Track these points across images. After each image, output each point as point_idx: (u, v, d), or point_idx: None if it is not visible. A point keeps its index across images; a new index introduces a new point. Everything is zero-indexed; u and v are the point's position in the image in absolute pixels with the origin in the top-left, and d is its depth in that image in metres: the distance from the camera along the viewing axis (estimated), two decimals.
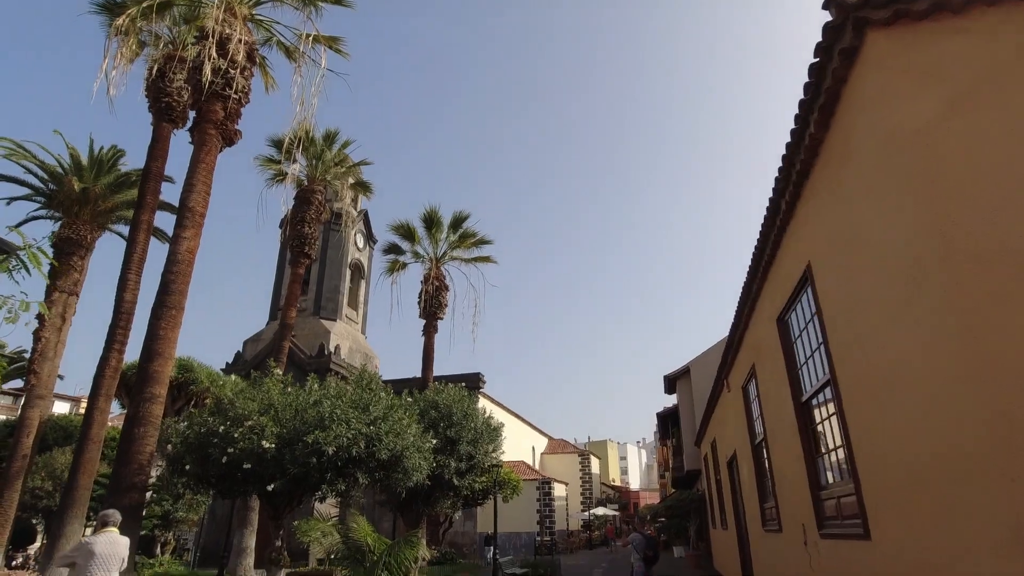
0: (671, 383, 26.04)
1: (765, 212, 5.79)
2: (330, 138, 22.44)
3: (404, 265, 25.03)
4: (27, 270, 4.92)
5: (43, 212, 22.63)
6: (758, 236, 6.46)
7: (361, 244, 40.33)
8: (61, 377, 24.56)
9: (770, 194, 5.42)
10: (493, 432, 17.97)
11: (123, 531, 9.28)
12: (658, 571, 16.74)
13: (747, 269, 7.44)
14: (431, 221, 24.39)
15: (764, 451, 8.59)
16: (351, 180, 23.28)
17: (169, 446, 10.25)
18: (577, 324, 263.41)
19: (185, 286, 10.65)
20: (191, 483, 10.25)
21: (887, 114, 3.44)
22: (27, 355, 21.88)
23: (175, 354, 10.23)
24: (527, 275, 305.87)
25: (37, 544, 30.14)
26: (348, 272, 38.04)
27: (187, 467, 9.62)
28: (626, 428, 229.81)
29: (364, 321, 40.98)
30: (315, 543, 10.12)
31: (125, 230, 22.89)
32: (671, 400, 31.31)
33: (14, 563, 24.09)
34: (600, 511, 45.22)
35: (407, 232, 24.77)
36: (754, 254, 6.69)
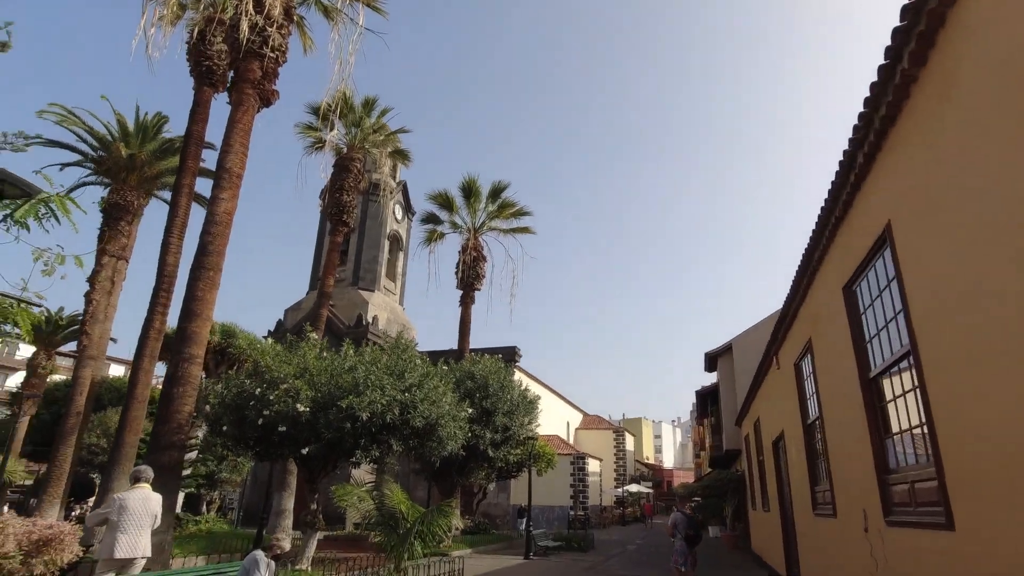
0: (712, 361, 25.36)
1: (837, 169, 5.24)
2: (369, 105, 22.21)
3: (442, 235, 24.85)
4: (56, 218, 4.78)
5: (93, 178, 23.19)
6: (826, 198, 5.90)
7: (400, 216, 40.39)
8: (114, 340, 25.41)
9: (846, 148, 4.86)
10: (529, 404, 17.79)
11: (162, 488, 9.45)
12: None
13: (810, 235, 6.88)
14: (469, 190, 24.06)
15: (818, 431, 8.08)
16: (389, 148, 23.02)
17: (207, 407, 10.34)
18: (613, 300, 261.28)
19: (223, 247, 10.62)
20: (229, 444, 10.34)
21: (1004, 37, 2.89)
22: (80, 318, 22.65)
23: (213, 315, 10.26)
24: (565, 249, 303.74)
25: (94, 498, 31.76)
26: (386, 243, 38.21)
27: (224, 428, 9.68)
28: (660, 407, 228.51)
29: (402, 292, 41.26)
30: (351, 508, 10.08)
31: (170, 196, 23.32)
32: (710, 378, 30.66)
33: (73, 514, 25.33)
34: (634, 488, 45.05)
35: (445, 201, 24.51)
36: (820, 217, 6.13)
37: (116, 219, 20.84)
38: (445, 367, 14.06)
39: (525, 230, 24.65)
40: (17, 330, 5.15)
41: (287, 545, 6.22)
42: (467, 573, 12.96)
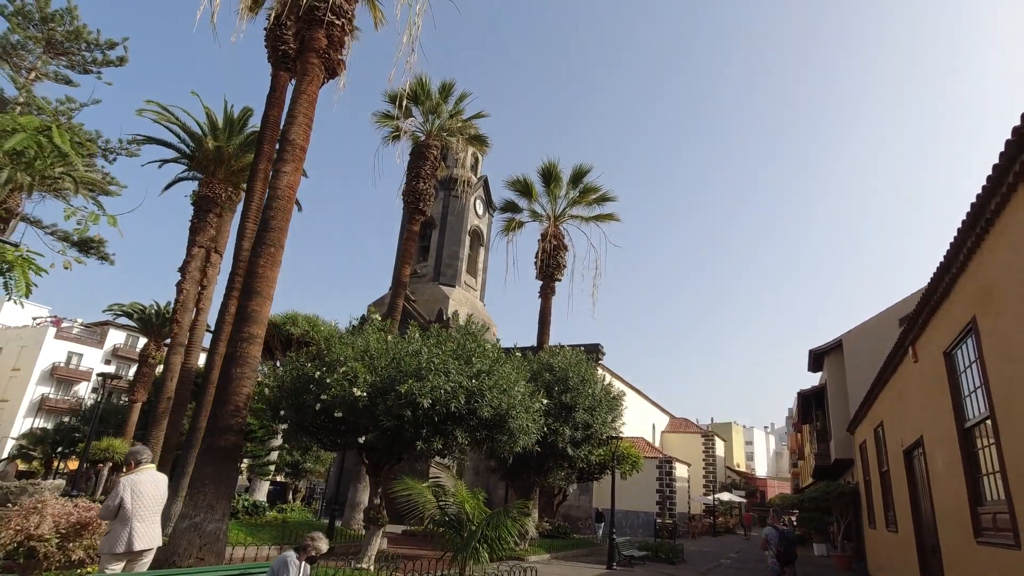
0: (817, 359, 22.86)
1: None
2: (446, 90, 21.62)
3: (520, 224, 23.91)
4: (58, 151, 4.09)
5: (187, 174, 24.12)
6: (1011, 135, 4.36)
7: (480, 211, 40.06)
8: (210, 330, 26.44)
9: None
10: (613, 401, 16.44)
11: (218, 474, 9.03)
12: (801, 571, 14.50)
13: (982, 187, 5.26)
14: (549, 175, 22.91)
15: (984, 437, 6.34)
16: (467, 134, 22.32)
17: (266, 390, 9.88)
18: (701, 299, 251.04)
19: (285, 223, 10.13)
20: (291, 430, 9.83)
21: None
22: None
23: (274, 294, 9.78)
24: (652, 241, 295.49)
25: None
26: (467, 239, 37.96)
27: (282, 412, 9.14)
28: (752, 412, 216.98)
29: (483, 288, 40.88)
30: (423, 505, 9.20)
31: None
32: (813, 379, 27.84)
33: None
34: (725, 496, 42.30)
35: (524, 188, 23.51)
36: (1000, 163, 4.54)
37: (205, 211, 21.44)
38: (519, 353, 13.05)
39: (609, 217, 23.20)
40: (13, 280, 4.59)
41: (323, 546, 5.38)
42: None
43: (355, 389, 8.34)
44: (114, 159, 39.78)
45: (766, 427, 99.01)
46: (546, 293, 22.41)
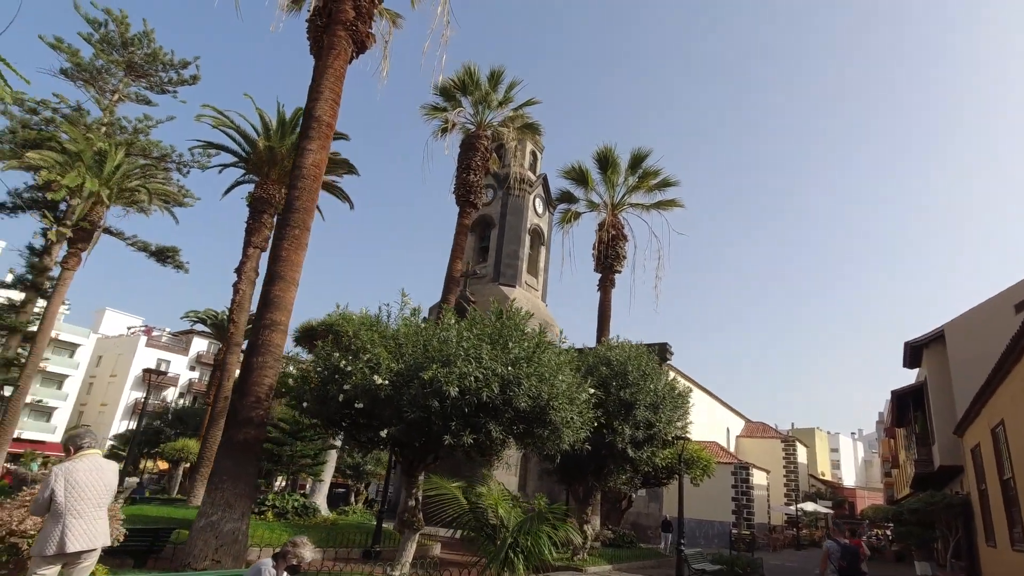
0: (915, 353, 20.44)
1: None
2: (495, 78, 20.85)
3: (577, 215, 22.77)
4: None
5: (245, 177, 24.51)
6: None
7: (540, 209, 39.11)
8: None
9: None
10: (678, 398, 15.00)
11: (238, 468, 8.42)
12: None
13: None
14: (606, 161, 21.62)
15: None
16: (518, 123, 21.45)
17: (291, 381, 9.27)
18: (776, 296, 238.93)
19: (311, 204, 9.53)
20: (320, 424, 9.16)
21: None
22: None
23: (299, 278, 9.17)
24: (719, 235, 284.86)
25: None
26: (527, 238, 37.06)
27: (305, 405, 8.46)
28: (836, 418, 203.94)
29: (544, 288, 39.83)
30: (454, 507, 8.29)
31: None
32: (910, 376, 25.06)
33: None
34: (810, 507, 39.22)
35: (579, 175, 22.33)
36: None
37: (260, 212, 21.55)
38: (572, 347, 11.88)
39: (671, 204, 21.67)
40: None
41: (307, 553, 4.52)
42: None
43: (376, 377, 7.53)
44: (187, 172, 41.51)
45: (853, 433, 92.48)
46: (605, 286, 21.13)
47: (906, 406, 22.90)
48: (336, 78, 10.10)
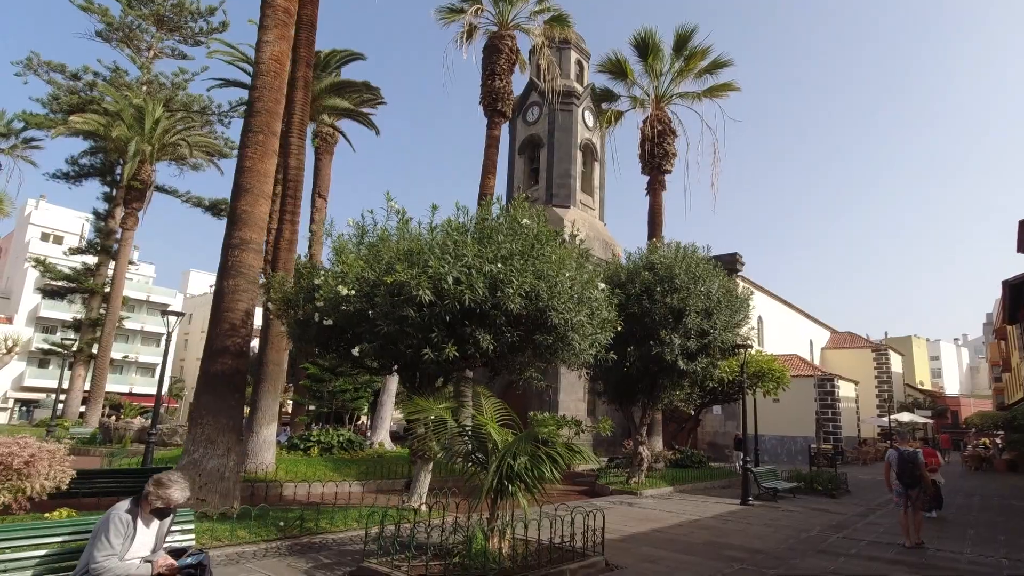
0: None
1: None
2: None
3: (619, 114, 20.48)
4: None
5: None
6: None
7: (591, 123, 36.37)
8: None
9: None
10: (737, 302, 13.19)
11: (217, 402, 7.62)
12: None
13: None
14: (646, 46, 18.88)
15: None
16: (545, 16, 19.12)
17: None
18: (862, 195, 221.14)
19: (275, 105, 8.30)
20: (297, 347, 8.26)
21: None
22: None
23: (270, 191, 8.07)
24: (793, 121, 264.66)
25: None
26: (579, 155, 34.74)
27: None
28: (936, 326, 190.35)
29: (601, 206, 37.57)
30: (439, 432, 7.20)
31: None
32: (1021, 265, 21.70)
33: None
34: (906, 417, 36.37)
35: (617, 68, 19.80)
36: None
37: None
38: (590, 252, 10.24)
39: (725, 88, 18.89)
40: None
41: (176, 494, 3.51)
42: (636, 525, 9.57)
43: (341, 288, 6.39)
44: (228, 122, 41.31)
45: (956, 339, 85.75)
46: (655, 188, 19.02)
47: (1020, 298, 19.86)
48: None
